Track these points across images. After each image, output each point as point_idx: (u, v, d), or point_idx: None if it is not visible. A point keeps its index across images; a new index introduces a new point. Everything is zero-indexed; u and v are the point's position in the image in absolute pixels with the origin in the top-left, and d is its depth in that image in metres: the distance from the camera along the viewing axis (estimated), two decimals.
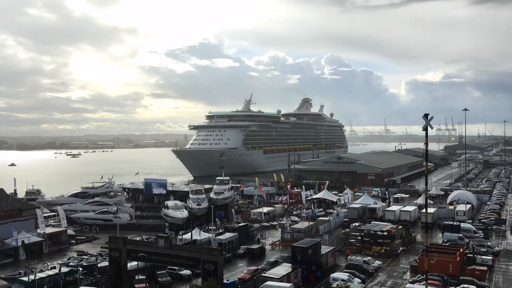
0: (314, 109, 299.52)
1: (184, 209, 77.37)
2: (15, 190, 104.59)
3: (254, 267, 51.25)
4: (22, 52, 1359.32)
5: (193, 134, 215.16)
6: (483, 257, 54.10)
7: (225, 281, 43.15)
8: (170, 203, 79.02)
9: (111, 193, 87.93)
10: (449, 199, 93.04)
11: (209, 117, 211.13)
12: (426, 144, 39.30)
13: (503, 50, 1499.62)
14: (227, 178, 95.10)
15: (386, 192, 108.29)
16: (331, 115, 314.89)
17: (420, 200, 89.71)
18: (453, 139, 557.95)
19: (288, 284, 42.36)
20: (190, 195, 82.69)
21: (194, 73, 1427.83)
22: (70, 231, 71.70)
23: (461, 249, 54.73)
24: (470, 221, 76.91)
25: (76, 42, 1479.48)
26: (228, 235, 61.99)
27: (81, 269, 49.09)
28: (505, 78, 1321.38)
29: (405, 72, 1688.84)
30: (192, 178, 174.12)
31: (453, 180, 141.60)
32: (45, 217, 74.47)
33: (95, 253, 58.95)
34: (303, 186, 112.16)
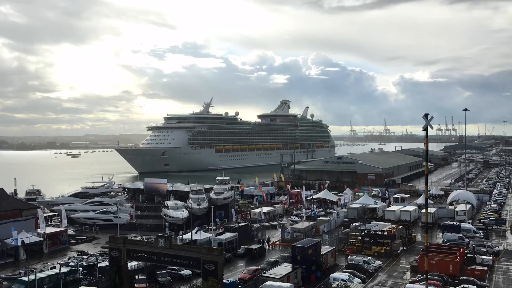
0: (299, 110, 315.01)
1: (184, 209, 77.36)
2: (15, 190, 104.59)
3: (254, 267, 51.25)
4: (7, 53, 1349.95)
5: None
6: (483, 257, 54.13)
7: (225, 281, 43.18)
8: (170, 203, 79.00)
9: (111, 193, 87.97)
10: (449, 199, 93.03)
11: (165, 118, 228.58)
12: (426, 144, 39.38)
13: (479, 50, 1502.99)
14: (227, 178, 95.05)
15: (386, 192, 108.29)
16: (312, 116, 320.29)
17: (420, 200, 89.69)
18: (453, 139, 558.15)
19: (288, 284, 42.37)
20: (190, 195, 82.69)
21: (182, 73, 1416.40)
22: (70, 231, 71.76)
23: (461, 249, 54.76)
24: (470, 221, 76.94)
25: (58, 42, 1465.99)
26: (228, 235, 61.99)
27: (81, 269, 49.13)
28: (490, 78, 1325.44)
29: (388, 73, 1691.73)
30: (137, 174, 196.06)
31: (453, 180, 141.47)
32: (45, 217, 74.47)
33: (95, 253, 58.97)
34: (303, 186, 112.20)
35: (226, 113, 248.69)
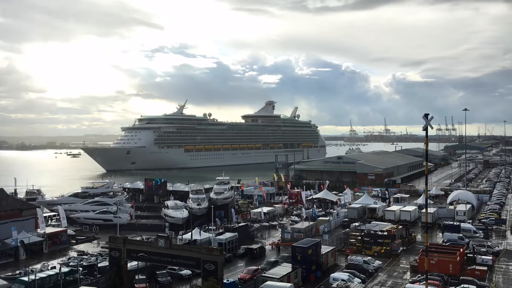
0: (290, 111, 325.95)
1: (184, 209, 77.42)
2: (15, 190, 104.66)
3: (254, 267, 51.25)
4: None
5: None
6: (483, 257, 54.12)
7: (225, 281, 43.18)
8: (170, 203, 79.09)
9: (111, 193, 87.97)
10: (449, 199, 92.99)
11: (138, 119, 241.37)
12: (426, 144, 39.41)
13: (463, 50, 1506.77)
14: (227, 178, 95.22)
15: (386, 192, 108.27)
16: (298, 116, 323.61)
17: (420, 200, 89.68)
18: (453, 139, 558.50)
19: (288, 284, 42.36)
20: (190, 195, 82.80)
21: (173, 73, 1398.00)
22: (70, 231, 71.78)
23: (461, 249, 54.74)
24: (470, 221, 76.89)
25: (45, 42, 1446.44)
26: (228, 235, 61.98)
27: (81, 269, 49.13)
28: (480, 79, 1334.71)
29: (376, 74, 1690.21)
30: (105, 171, 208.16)
31: (453, 180, 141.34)
32: (45, 217, 74.47)
33: (95, 253, 58.97)
34: (303, 186, 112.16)
35: (205, 114, 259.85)
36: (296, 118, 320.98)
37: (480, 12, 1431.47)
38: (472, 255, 54.67)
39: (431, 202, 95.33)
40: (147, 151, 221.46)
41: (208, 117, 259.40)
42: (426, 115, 36.97)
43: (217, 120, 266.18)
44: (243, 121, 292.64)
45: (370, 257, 54.90)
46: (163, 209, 79.56)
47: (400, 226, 68.44)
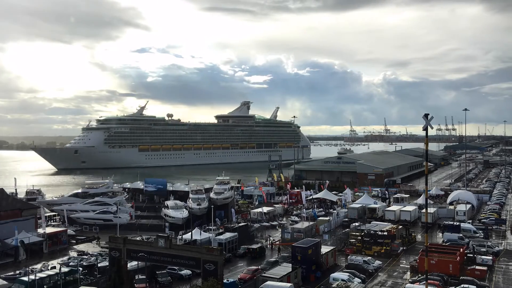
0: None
1: (184, 209, 77.45)
2: (15, 190, 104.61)
3: (254, 267, 51.28)
4: None
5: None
6: (483, 257, 54.15)
7: (225, 281, 43.19)
8: (170, 203, 79.13)
9: (111, 193, 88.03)
10: (449, 199, 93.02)
11: (95, 120, 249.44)
12: (426, 144, 39.42)
13: (445, 51, 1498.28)
14: (227, 178, 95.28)
15: (386, 192, 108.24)
16: (275, 116, 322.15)
17: (420, 200, 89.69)
18: (453, 139, 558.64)
19: (288, 284, 42.38)
20: (190, 195, 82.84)
21: (163, 74, 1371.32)
22: (70, 231, 71.80)
23: (461, 249, 54.75)
24: (470, 221, 76.93)
25: (31, 41, 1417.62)
26: (228, 235, 62.03)
27: (81, 269, 49.15)
28: (467, 78, 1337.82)
29: (367, 75, 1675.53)
30: (56, 170, 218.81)
31: (453, 180, 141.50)
32: (45, 217, 74.49)
33: (95, 253, 58.98)
34: (303, 186, 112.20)
35: (169, 115, 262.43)
36: (274, 118, 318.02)
37: (457, 13, 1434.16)
38: (472, 255, 54.70)
39: (431, 202, 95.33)
40: (97, 151, 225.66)
41: (168, 118, 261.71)
42: (426, 115, 36.97)
43: (180, 120, 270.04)
44: (215, 121, 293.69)
45: (370, 257, 54.92)
46: (163, 209, 79.59)
47: (400, 226, 68.49)
